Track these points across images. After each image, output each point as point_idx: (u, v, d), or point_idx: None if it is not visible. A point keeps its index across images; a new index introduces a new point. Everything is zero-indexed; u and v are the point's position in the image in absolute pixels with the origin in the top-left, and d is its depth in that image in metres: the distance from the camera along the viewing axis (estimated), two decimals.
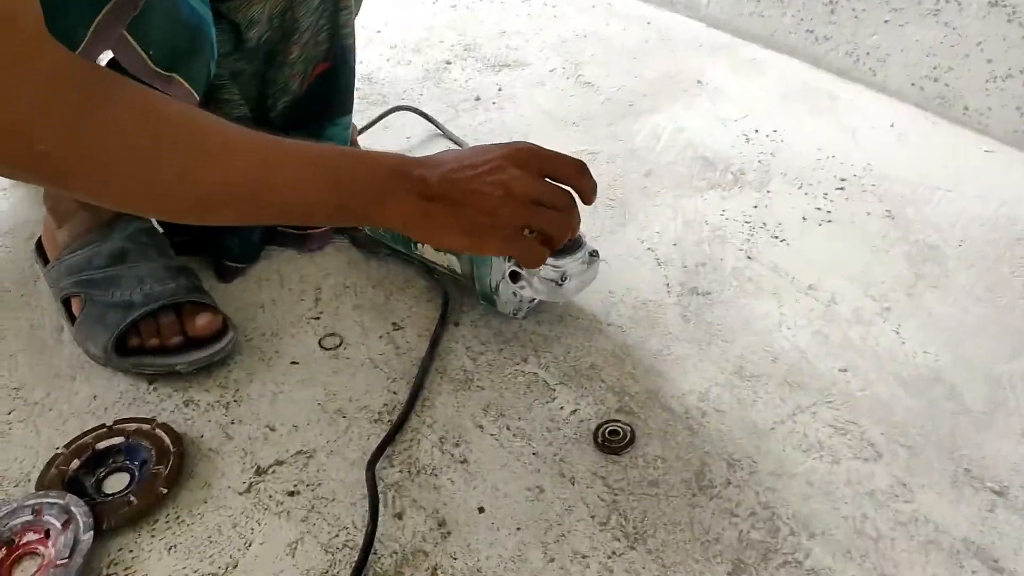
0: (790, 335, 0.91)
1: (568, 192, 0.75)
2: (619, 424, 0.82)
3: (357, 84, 1.03)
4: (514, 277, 0.89)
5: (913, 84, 1.26)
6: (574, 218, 0.76)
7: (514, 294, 0.91)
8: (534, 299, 0.91)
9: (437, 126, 1.26)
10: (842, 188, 1.12)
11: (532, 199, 0.72)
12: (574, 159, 0.77)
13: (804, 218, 1.07)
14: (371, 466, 0.79)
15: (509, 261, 0.87)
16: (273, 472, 0.80)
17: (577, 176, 0.76)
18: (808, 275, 0.98)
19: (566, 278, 0.86)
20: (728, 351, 0.89)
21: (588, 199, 0.77)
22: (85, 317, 0.89)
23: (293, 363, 0.91)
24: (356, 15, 0.99)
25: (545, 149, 0.75)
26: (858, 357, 0.88)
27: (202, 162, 0.64)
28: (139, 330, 0.88)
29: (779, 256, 1.01)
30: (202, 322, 0.89)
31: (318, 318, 0.96)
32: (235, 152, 0.65)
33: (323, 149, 0.73)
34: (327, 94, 1.01)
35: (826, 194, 1.11)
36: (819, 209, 1.09)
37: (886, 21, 1.26)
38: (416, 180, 0.71)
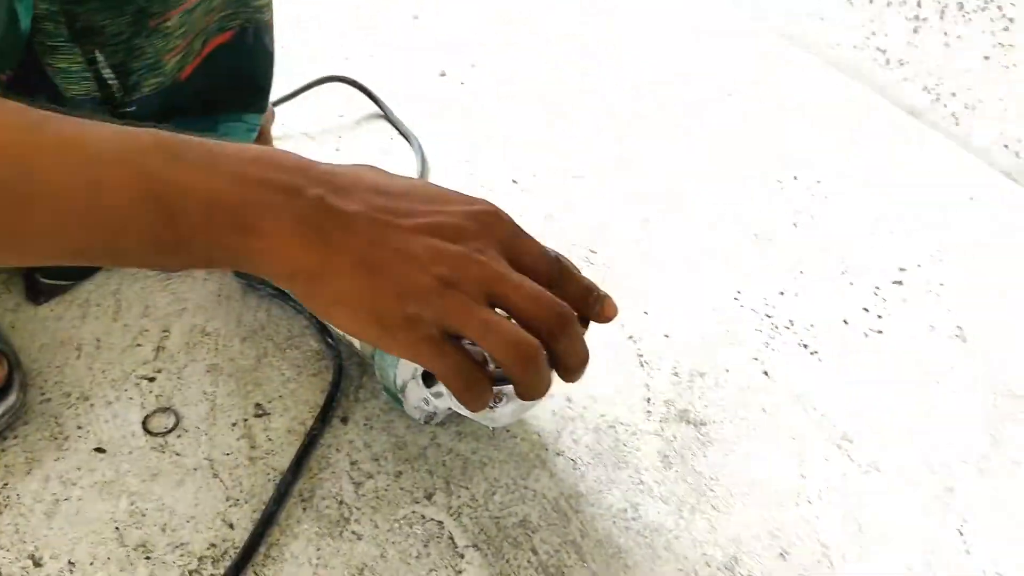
0: (811, 515, 0.64)
1: (564, 308, 0.48)
2: None
3: (282, 39, 0.74)
4: (428, 380, 0.61)
5: (1007, 146, 0.97)
6: (564, 350, 0.49)
7: (426, 400, 0.62)
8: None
9: (379, 105, 0.96)
10: (900, 283, 0.84)
11: (488, 291, 0.45)
12: (552, 254, 0.51)
13: (845, 321, 0.79)
14: None
15: None
16: None
17: (556, 273, 0.50)
18: (844, 418, 0.71)
19: (501, 399, 0.58)
20: (720, 528, 0.62)
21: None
22: None
23: (98, 450, 0.63)
24: None
25: (520, 227, 0.50)
26: (906, 571, 0.61)
27: None
28: None
29: (806, 378, 0.73)
30: None
31: (153, 378, 0.68)
32: None
33: (137, 135, 0.44)
34: (224, 81, 0.72)
35: (878, 289, 0.83)
36: (867, 311, 0.80)
37: (986, 57, 0.96)
38: (315, 206, 0.44)
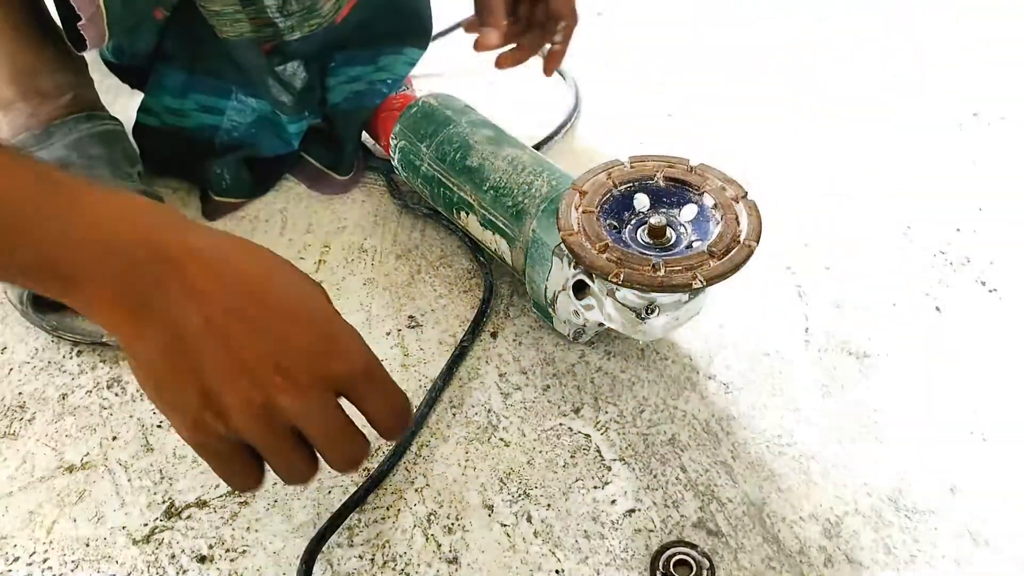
0: (986, 452, 0.59)
1: (351, 456, 0.46)
2: (692, 554, 0.53)
3: None
4: (579, 290, 0.60)
5: None
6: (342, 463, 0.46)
7: (576, 313, 0.62)
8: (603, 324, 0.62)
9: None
10: None
11: (291, 423, 0.43)
12: (397, 399, 0.47)
13: None
14: (316, 545, 0.54)
15: (576, 268, 0.58)
16: (188, 517, 0.56)
17: (393, 420, 0.47)
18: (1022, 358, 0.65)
19: (653, 310, 0.57)
20: (883, 459, 0.59)
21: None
22: None
23: None
24: None
25: (371, 365, 0.46)
26: None
27: None
28: None
29: (984, 316, 0.68)
30: None
31: None
32: None
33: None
34: (382, 18, 0.73)
35: None
36: None
37: None
38: (143, 275, 0.40)
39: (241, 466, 0.44)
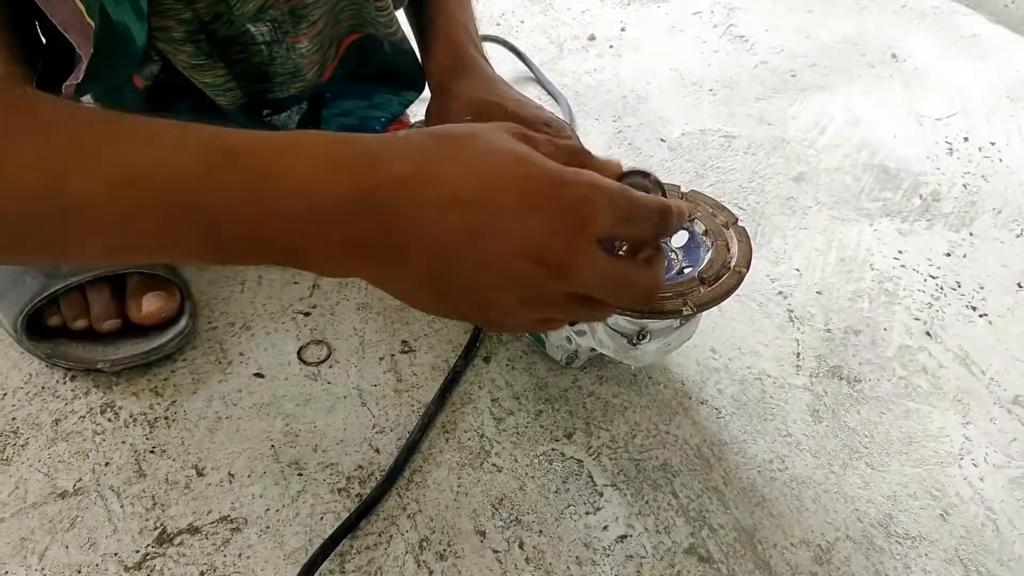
0: (975, 477, 0.59)
1: (640, 280, 0.44)
2: None
3: None
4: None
5: None
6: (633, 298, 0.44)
7: (568, 339, 0.62)
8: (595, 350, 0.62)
9: (530, 68, 0.97)
10: None
11: (579, 295, 0.42)
12: (655, 203, 0.43)
13: (1021, 285, 0.73)
14: (308, 572, 0.54)
15: None
16: (180, 544, 0.56)
17: (658, 226, 0.44)
18: (1016, 380, 0.66)
19: (645, 336, 0.57)
20: (874, 485, 0.59)
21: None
22: None
23: (257, 375, 0.66)
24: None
25: (619, 195, 0.41)
26: None
27: None
28: (60, 305, 0.65)
29: (974, 339, 0.69)
30: (149, 307, 0.66)
31: (308, 313, 0.71)
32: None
33: (179, 145, 0.40)
34: (367, 70, 0.74)
35: None
36: None
37: None
38: (370, 232, 0.39)
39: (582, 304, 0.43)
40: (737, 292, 0.54)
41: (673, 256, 0.59)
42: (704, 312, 0.55)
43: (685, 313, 0.53)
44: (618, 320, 0.57)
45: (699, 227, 0.58)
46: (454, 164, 0.41)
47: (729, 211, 0.59)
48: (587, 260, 0.40)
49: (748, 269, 0.55)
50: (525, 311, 0.42)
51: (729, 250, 0.56)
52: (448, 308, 0.43)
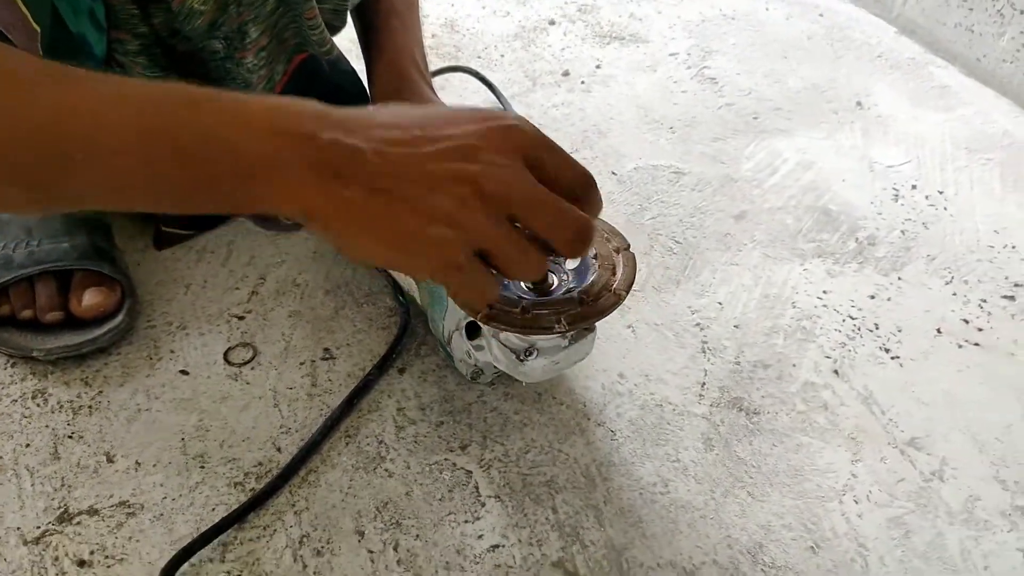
0: (853, 513, 0.60)
1: (577, 212, 0.47)
2: None
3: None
4: (471, 332, 0.63)
5: None
6: (580, 248, 0.48)
7: (468, 354, 0.65)
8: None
9: (498, 98, 1.00)
10: (1011, 297, 0.77)
11: (509, 211, 0.46)
12: (581, 167, 0.49)
13: (939, 331, 0.74)
14: (182, 556, 0.56)
15: None
16: (78, 524, 0.59)
17: (582, 188, 0.48)
18: (914, 423, 0.66)
19: (532, 352, 0.59)
20: (751, 514, 0.60)
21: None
22: None
23: (183, 372, 0.70)
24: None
25: (545, 136, 0.48)
26: None
27: None
28: (9, 295, 0.70)
29: (881, 380, 0.69)
30: (90, 300, 0.70)
31: (243, 317, 0.74)
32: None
33: (152, 89, 0.46)
34: (316, 89, 0.78)
35: (984, 301, 0.76)
36: (967, 322, 0.74)
37: None
38: (327, 149, 0.45)
39: (483, 275, 0.48)
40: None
41: (565, 277, 0.61)
42: (592, 334, 0.57)
43: (558, 329, 0.55)
44: (509, 336, 0.59)
45: (591, 251, 0.60)
46: (391, 108, 0.49)
47: (622, 237, 0.61)
48: (520, 175, 0.45)
49: (628, 293, 0.57)
50: (465, 216, 0.45)
51: (615, 274, 0.58)
52: (392, 221, 0.45)
